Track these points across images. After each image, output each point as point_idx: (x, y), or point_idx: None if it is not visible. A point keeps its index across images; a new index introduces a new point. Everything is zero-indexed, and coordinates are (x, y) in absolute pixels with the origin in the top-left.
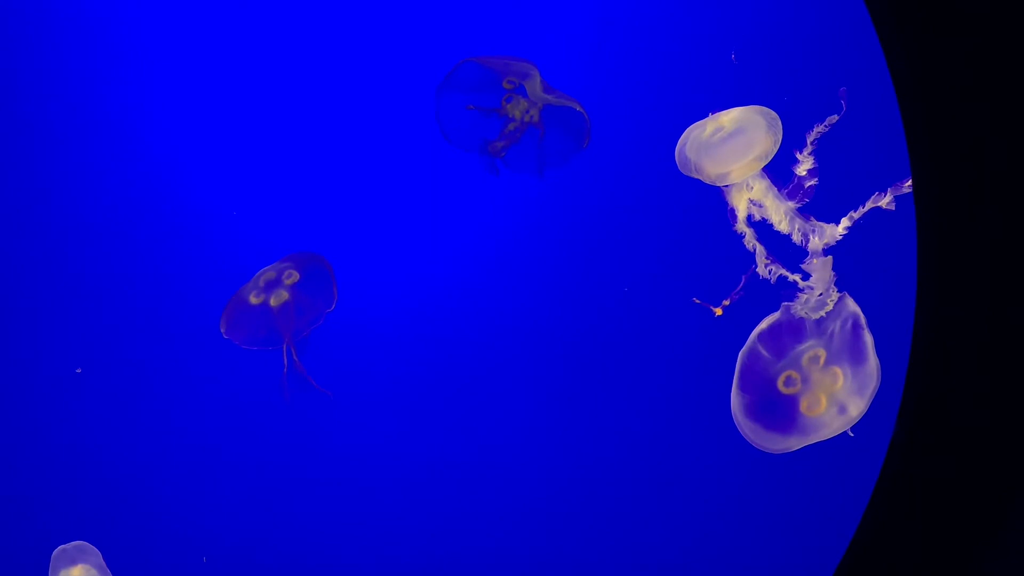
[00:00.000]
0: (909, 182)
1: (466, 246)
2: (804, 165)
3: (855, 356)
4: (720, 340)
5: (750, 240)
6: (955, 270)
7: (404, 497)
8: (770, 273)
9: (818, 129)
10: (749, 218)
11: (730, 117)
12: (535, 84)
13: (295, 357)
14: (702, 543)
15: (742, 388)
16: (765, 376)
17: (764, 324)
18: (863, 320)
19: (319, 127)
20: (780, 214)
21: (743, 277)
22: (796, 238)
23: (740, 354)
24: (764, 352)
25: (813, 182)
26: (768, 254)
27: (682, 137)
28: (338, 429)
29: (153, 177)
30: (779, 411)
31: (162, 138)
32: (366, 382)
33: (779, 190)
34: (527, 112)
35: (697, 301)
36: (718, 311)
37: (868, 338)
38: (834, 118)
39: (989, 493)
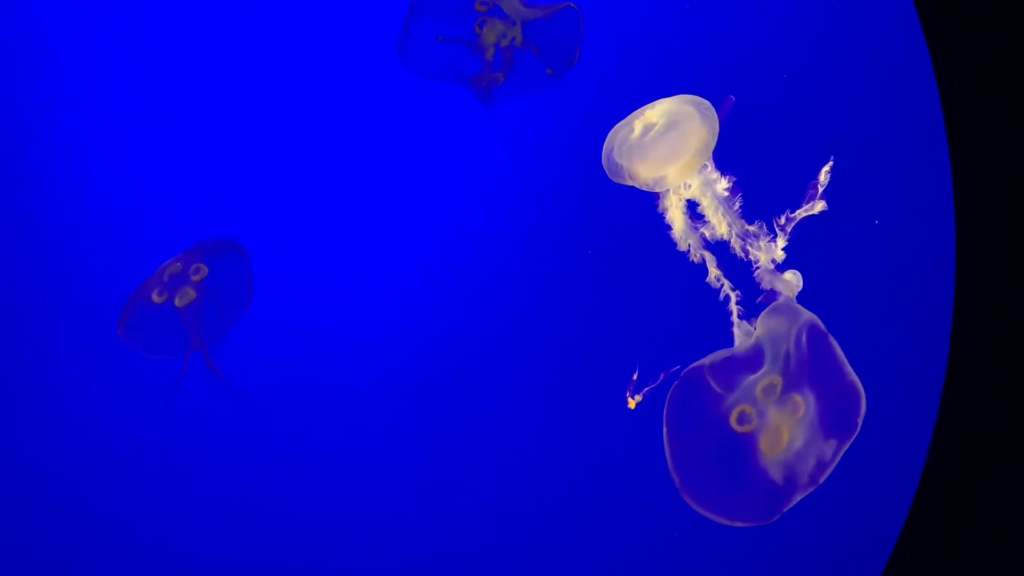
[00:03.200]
0: (827, 167)
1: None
2: (721, 184)
3: (821, 377)
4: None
5: (696, 251)
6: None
7: (347, 505)
8: (721, 288)
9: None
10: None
11: (658, 112)
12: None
13: (211, 366)
14: (699, 545)
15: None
16: (708, 413)
17: (708, 360)
18: (822, 328)
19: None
20: (719, 217)
21: (662, 374)
22: (736, 247)
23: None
24: (715, 387)
25: (738, 202)
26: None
27: (607, 141)
28: (268, 439)
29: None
30: (735, 463)
31: (56, 109)
32: (331, 382)
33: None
34: (504, 36)
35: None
36: (632, 403)
37: (838, 352)
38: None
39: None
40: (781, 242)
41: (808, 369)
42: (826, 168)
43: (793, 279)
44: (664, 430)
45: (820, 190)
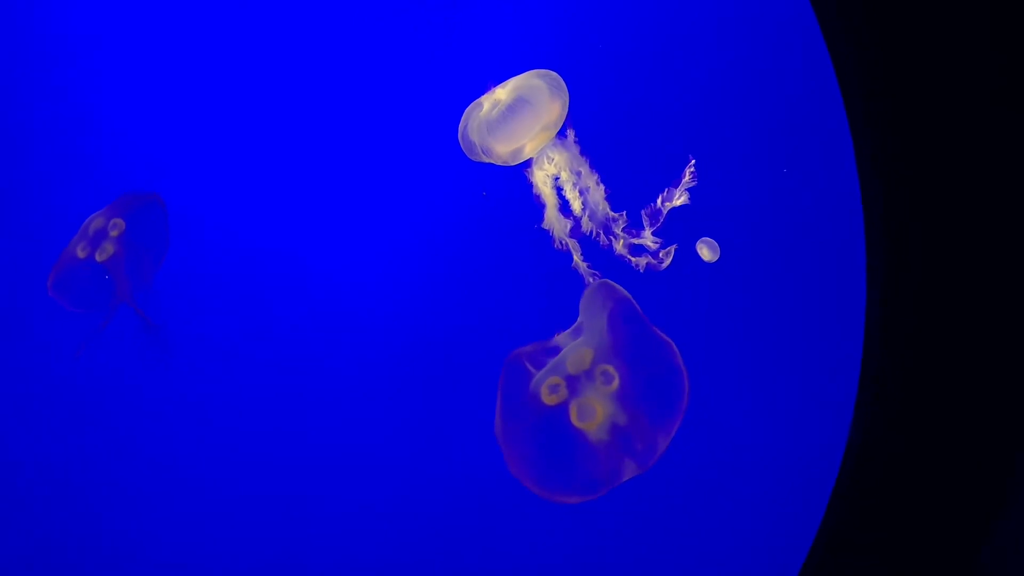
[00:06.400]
0: (691, 165)
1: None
2: (582, 164)
3: (638, 355)
4: None
5: (560, 234)
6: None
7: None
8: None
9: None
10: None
11: (508, 88)
12: None
13: (141, 315)
14: (694, 542)
15: (506, 419)
16: (526, 393)
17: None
18: (633, 304)
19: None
20: (575, 194)
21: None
22: (585, 227)
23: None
24: (528, 367)
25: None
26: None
27: (462, 120)
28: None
29: None
30: (556, 438)
31: None
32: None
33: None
34: None
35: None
36: None
37: (658, 335)
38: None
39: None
40: (648, 233)
41: (622, 345)
42: (689, 167)
43: (707, 248)
44: (496, 419)
45: (682, 186)
